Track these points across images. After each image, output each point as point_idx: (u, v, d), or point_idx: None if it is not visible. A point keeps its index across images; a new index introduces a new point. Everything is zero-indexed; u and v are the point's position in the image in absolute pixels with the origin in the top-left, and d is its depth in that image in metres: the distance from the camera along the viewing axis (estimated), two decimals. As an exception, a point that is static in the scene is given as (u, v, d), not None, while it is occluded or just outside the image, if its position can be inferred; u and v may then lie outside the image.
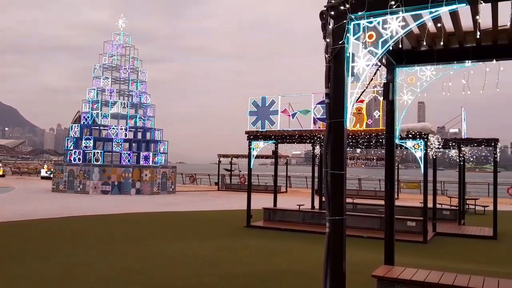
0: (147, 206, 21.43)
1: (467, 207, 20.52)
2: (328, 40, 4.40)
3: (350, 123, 14.50)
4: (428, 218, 13.97)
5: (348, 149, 21.94)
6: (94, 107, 31.22)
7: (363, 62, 4.45)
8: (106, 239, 11.99)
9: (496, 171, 14.81)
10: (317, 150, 18.87)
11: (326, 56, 4.43)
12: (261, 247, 11.12)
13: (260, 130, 15.39)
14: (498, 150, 14.88)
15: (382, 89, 6.32)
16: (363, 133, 14.30)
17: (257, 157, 34.26)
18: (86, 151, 30.18)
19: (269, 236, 13.33)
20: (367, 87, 9.09)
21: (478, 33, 5.07)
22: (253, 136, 15.56)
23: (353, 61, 4.46)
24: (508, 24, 5.62)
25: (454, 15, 5.09)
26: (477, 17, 4.65)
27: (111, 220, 16.40)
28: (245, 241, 12.01)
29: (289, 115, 15.40)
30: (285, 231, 14.26)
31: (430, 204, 14.87)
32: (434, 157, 14.82)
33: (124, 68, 32.02)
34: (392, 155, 6.31)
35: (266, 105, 15.45)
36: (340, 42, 4.33)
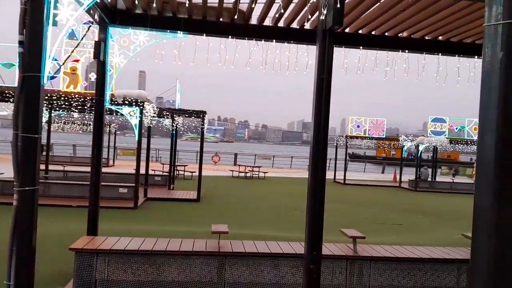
0: None
1: (177, 173, 22.13)
2: (22, -24, 3.65)
3: (63, 84, 13.33)
4: (141, 184, 14.33)
5: (62, 112, 20.30)
6: None
7: (68, 11, 3.90)
8: None
9: (202, 140, 16.34)
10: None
11: (21, -5, 3.69)
12: None
13: None
14: (205, 121, 16.45)
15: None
16: (77, 96, 13.37)
17: None
18: None
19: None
20: (78, 44, 8.39)
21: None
22: None
23: (55, 7, 3.86)
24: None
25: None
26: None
27: None
28: None
29: (-13, 68, 13.01)
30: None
31: (144, 171, 15.29)
32: (150, 125, 15.19)
33: None
34: (102, 120, 5.96)
35: (-45, 52, 12.59)
36: (38, -18, 3.66)
